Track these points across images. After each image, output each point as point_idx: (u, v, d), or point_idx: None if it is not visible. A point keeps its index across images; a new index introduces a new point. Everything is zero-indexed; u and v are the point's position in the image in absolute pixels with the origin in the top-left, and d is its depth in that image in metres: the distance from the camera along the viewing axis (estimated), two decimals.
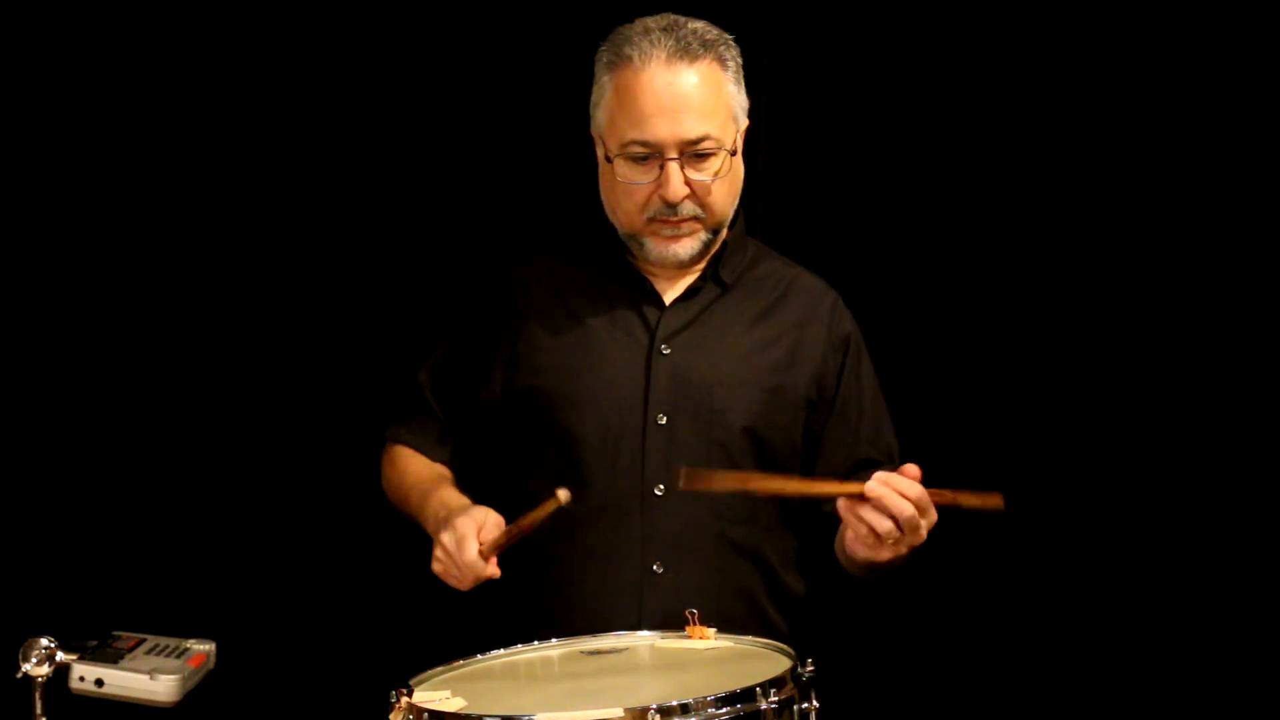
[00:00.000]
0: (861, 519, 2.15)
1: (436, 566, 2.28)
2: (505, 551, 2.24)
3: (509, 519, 2.24)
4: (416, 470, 2.53)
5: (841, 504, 2.18)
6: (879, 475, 2.15)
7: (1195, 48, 2.96)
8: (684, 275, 2.47)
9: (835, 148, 3.13)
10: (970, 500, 2.19)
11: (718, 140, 2.35)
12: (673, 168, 2.33)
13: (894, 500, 2.13)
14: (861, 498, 2.14)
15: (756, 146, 3.04)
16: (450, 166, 3.13)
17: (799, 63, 3.12)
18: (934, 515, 2.18)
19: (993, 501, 2.17)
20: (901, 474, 2.16)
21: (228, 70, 3.05)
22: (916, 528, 2.15)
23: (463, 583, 2.26)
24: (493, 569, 2.23)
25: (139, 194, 3.05)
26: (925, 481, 2.46)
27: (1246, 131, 2.95)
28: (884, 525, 2.14)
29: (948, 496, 2.20)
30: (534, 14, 3.08)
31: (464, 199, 3.13)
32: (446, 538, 2.24)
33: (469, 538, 2.22)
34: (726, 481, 2.32)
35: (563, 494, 2.20)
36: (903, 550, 2.19)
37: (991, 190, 3.07)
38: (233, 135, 3.07)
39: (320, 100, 3.09)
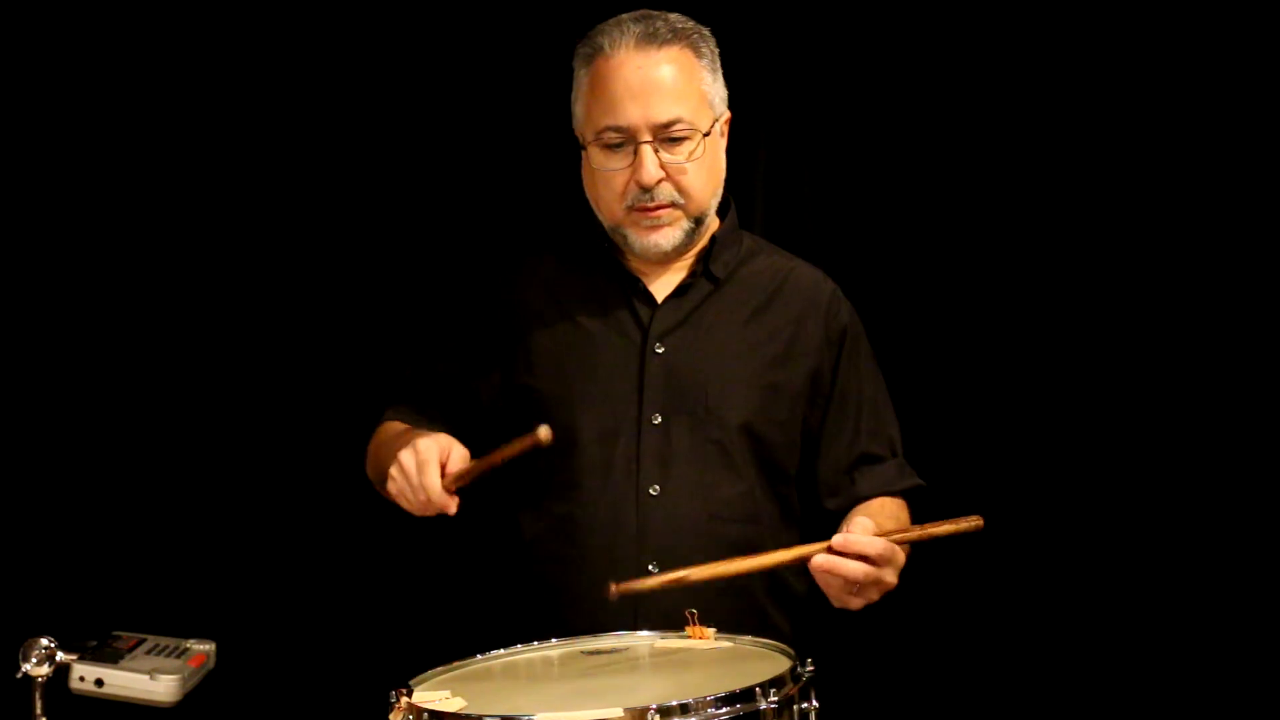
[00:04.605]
0: (816, 581, 2.16)
1: (391, 486, 2.21)
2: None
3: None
4: (397, 430, 2.47)
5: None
6: (837, 539, 2.13)
7: (1195, 48, 2.97)
8: (675, 272, 2.45)
9: (835, 147, 3.13)
10: (944, 529, 2.15)
11: (691, 124, 2.34)
12: (646, 150, 2.32)
13: (845, 567, 2.11)
14: (830, 550, 2.12)
15: (757, 146, 3.05)
16: (443, 167, 3.13)
17: (799, 62, 3.12)
18: (901, 559, 2.17)
19: (969, 525, 2.14)
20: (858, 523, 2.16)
21: (223, 70, 3.06)
22: (877, 581, 2.14)
23: (415, 506, 2.20)
24: (451, 502, 2.17)
25: (137, 194, 3.06)
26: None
27: (1245, 132, 2.95)
28: (834, 585, 2.14)
29: (915, 534, 2.19)
30: (525, 15, 3.09)
31: (457, 200, 3.13)
32: (406, 456, 2.18)
33: (431, 462, 2.17)
34: (662, 580, 2.11)
35: (543, 432, 2.10)
36: (873, 597, 2.17)
37: (991, 187, 3.07)
38: (227, 134, 3.08)
39: (315, 100, 3.09)
